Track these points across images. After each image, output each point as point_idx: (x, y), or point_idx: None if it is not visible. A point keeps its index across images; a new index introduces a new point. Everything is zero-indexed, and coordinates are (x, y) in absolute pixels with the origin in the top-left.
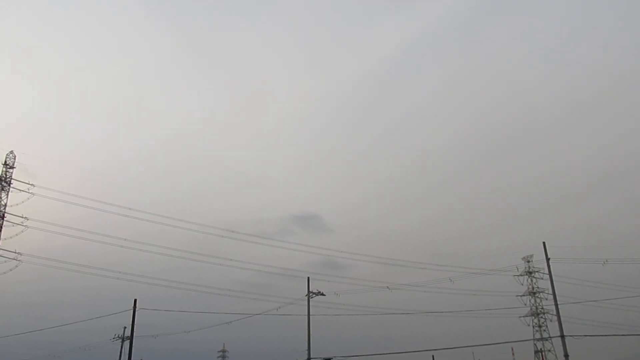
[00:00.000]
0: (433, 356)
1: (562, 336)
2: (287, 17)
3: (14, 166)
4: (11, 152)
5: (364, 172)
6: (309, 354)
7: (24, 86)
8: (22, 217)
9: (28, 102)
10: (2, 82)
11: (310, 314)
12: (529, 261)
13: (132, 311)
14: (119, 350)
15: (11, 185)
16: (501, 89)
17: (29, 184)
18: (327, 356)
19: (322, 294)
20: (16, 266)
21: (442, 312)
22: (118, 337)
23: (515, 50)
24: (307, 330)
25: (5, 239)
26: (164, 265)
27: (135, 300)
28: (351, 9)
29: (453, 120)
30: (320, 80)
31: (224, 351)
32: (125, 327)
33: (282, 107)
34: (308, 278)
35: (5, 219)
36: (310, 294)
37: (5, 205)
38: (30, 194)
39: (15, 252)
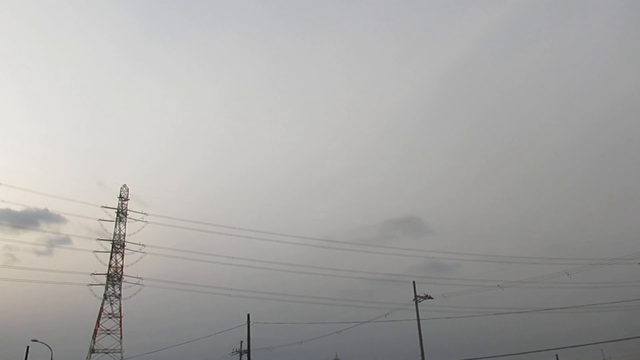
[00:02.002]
0: (557, 355)
1: None
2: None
3: (128, 198)
4: (124, 185)
5: (459, 168)
6: (422, 358)
7: (128, 121)
8: (139, 244)
9: (134, 135)
10: (108, 119)
11: (420, 318)
12: None
13: (246, 326)
14: None
15: (127, 216)
16: (595, 69)
17: (142, 213)
18: None
19: (430, 297)
20: (139, 290)
21: (562, 308)
22: (236, 351)
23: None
24: (418, 335)
25: (127, 265)
26: (271, 280)
27: (248, 315)
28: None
29: (549, 103)
30: (406, 81)
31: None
32: (241, 342)
33: (371, 112)
34: (414, 282)
35: (125, 247)
36: (418, 298)
37: (124, 234)
38: (144, 223)
39: (137, 277)
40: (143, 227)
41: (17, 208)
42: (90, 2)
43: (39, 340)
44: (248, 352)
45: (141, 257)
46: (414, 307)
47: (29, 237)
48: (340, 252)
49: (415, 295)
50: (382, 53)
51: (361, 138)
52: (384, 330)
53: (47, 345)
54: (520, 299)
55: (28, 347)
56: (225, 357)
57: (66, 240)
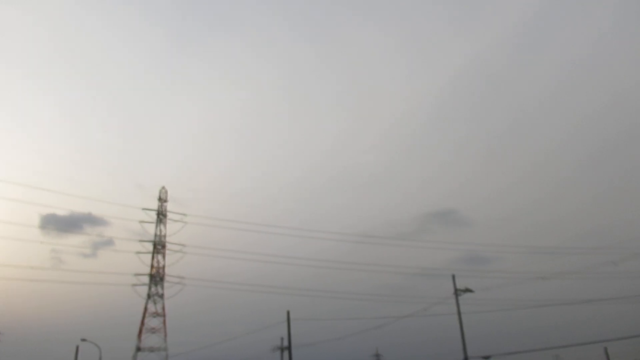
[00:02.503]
0: (606, 348)
1: None
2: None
3: (167, 200)
4: (163, 187)
5: (496, 160)
6: (464, 353)
7: (160, 123)
8: (180, 244)
9: (168, 137)
10: (140, 122)
11: (461, 312)
12: None
13: (286, 322)
14: None
15: (167, 217)
16: None
17: (181, 214)
18: (485, 355)
19: (470, 291)
20: (181, 289)
21: (608, 299)
22: (277, 347)
23: None
24: (459, 330)
25: (168, 265)
26: (310, 276)
27: (288, 312)
28: None
29: (598, 93)
30: (442, 71)
31: (377, 355)
32: (282, 338)
33: (407, 105)
34: (453, 275)
35: (166, 248)
36: (458, 292)
37: (165, 235)
38: (183, 223)
39: (178, 277)
40: (182, 227)
41: (62, 212)
42: (115, 13)
43: (88, 339)
44: (289, 348)
45: (182, 257)
46: (454, 301)
47: (74, 240)
48: (378, 247)
49: (455, 289)
50: (417, 42)
51: (397, 131)
52: (425, 326)
53: (96, 345)
54: (564, 290)
55: (78, 347)
56: (267, 353)
57: (109, 242)
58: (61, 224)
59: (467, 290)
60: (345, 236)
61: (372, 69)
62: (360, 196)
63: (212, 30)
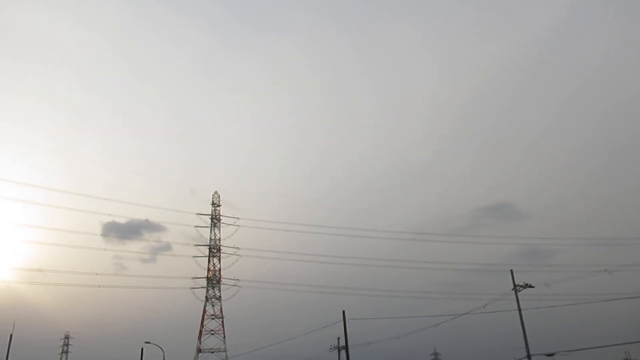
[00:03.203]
0: None
1: None
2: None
3: (220, 204)
4: (215, 192)
5: (550, 149)
6: (527, 351)
7: (210, 129)
8: (234, 247)
9: (218, 142)
10: (191, 129)
11: (521, 308)
12: None
13: (342, 322)
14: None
15: (221, 221)
16: None
17: (234, 217)
18: (549, 352)
19: (530, 286)
20: (237, 291)
21: None
22: (334, 347)
23: None
24: (520, 327)
25: (224, 268)
26: (364, 275)
27: (343, 312)
28: None
29: None
30: (488, 59)
31: (435, 354)
32: (338, 338)
33: (452, 96)
34: (511, 271)
35: (221, 251)
36: (517, 287)
37: (220, 239)
38: (237, 227)
39: (234, 279)
40: (236, 230)
41: (122, 220)
42: (166, 20)
43: (151, 342)
44: (346, 348)
45: (237, 260)
46: (514, 297)
47: (134, 247)
48: (432, 244)
49: (515, 284)
50: (460, 31)
51: (443, 124)
52: (484, 324)
53: (159, 347)
54: (632, 282)
55: (142, 349)
56: (324, 353)
57: (167, 247)
58: (121, 231)
59: (527, 285)
60: (396, 234)
61: (410, 66)
62: (409, 193)
63: (259, 32)
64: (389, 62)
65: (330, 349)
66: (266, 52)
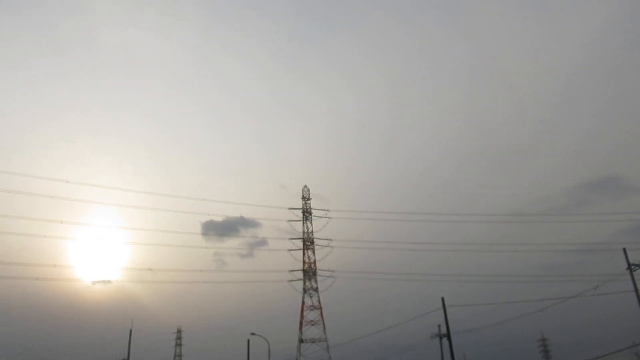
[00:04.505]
0: None
1: None
2: None
3: (310, 197)
4: (305, 186)
5: None
6: None
7: (295, 125)
8: (327, 239)
9: (302, 136)
10: (275, 125)
11: (638, 289)
12: None
13: (441, 310)
14: (439, 348)
15: (312, 215)
16: None
17: (325, 210)
18: None
19: None
20: (333, 282)
21: None
22: (435, 335)
23: None
24: (638, 308)
25: (319, 260)
26: (461, 261)
27: (442, 299)
28: None
29: None
30: (587, 28)
31: (543, 340)
32: (439, 325)
33: (547, 70)
34: (624, 249)
35: (315, 243)
36: (632, 267)
37: (312, 232)
38: (328, 219)
39: (329, 270)
40: (327, 222)
41: (218, 219)
42: (242, 19)
43: (256, 333)
44: (448, 335)
45: (330, 251)
46: (629, 277)
47: (232, 243)
48: (531, 225)
49: (629, 264)
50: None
51: (542, 99)
52: (595, 306)
53: (264, 338)
54: None
55: (248, 340)
56: (425, 341)
57: (263, 242)
58: (219, 229)
59: None
60: (493, 217)
61: (503, 36)
62: (504, 174)
63: (329, 29)
64: (480, 35)
65: (431, 336)
66: (358, 36)
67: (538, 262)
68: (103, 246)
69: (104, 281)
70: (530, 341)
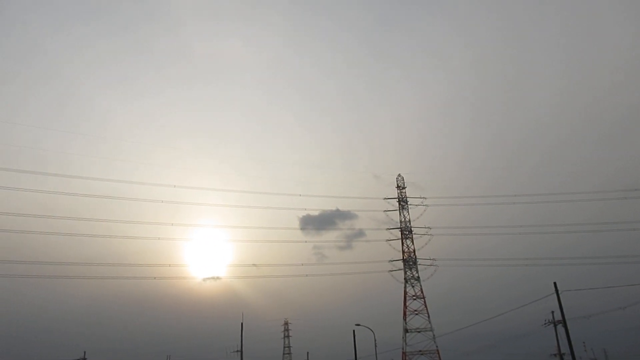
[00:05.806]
0: None
1: None
2: None
3: (405, 186)
4: (399, 175)
5: None
6: None
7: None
8: (425, 227)
9: (389, 124)
10: (361, 116)
11: None
12: None
13: (554, 295)
14: (554, 335)
15: (408, 203)
16: None
17: (421, 197)
18: None
19: None
20: (435, 271)
21: None
22: (549, 322)
23: None
24: None
25: (418, 249)
26: (570, 243)
27: (555, 284)
28: None
29: None
30: None
31: None
32: (552, 312)
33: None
34: None
35: (413, 232)
36: None
37: (409, 220)
38: (425, 206)
39: (430, 259)
40: (424, 210)
41: (315, 213)
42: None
43: (361, 324)
44: (563, 321)
45: (429, 239)
46: None
47: (330, 236)
48: None
49: None
50: None
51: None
52: None
53: (370, 328)
54: None
55: (354, 331)
56: (539, 328)
57: (360, 234)
58: (316, 223)
59: None
60: (605, 194)
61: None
62: (612, 146)
63: (415, 11)
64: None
65: (545, 323)
66: (445, 17)
67: None
68: (210, 245)
69: (213, 278)
70: None
